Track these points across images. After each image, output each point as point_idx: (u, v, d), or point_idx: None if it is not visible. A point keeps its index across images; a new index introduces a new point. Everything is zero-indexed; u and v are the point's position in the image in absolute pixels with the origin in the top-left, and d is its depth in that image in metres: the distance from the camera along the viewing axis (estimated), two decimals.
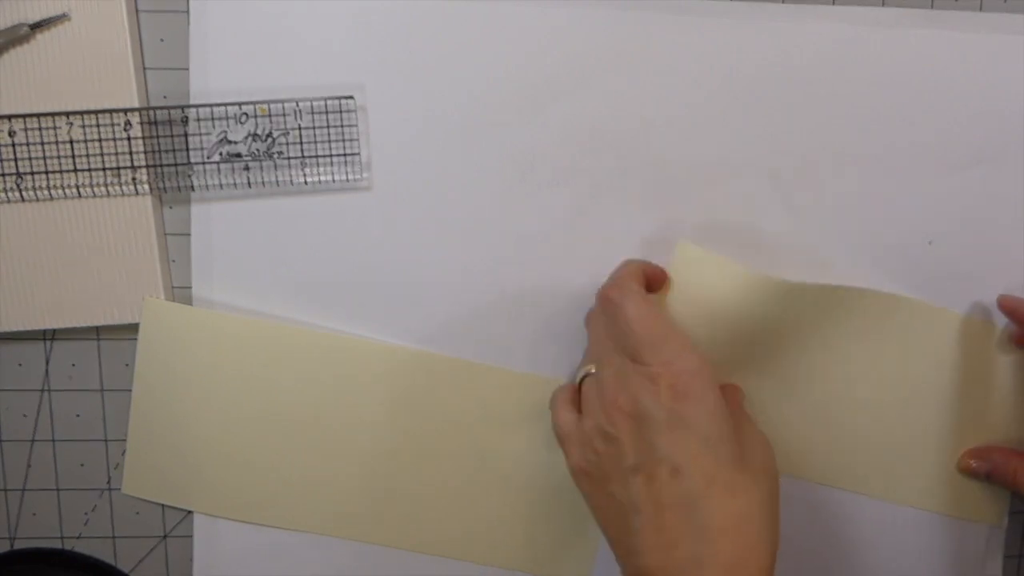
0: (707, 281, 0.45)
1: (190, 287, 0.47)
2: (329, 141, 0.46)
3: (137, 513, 0.50)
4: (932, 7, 0.48)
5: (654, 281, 0.46)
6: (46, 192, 0.45)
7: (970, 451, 0.49)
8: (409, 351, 0.48)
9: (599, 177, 0.47)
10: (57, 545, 0.50)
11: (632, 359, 0.41)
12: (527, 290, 0.48)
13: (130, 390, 0.48)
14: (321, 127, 0.45)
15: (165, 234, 0.47)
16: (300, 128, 0.45)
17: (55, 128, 0.44)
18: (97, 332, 0.48)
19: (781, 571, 0.38)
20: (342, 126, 0.45)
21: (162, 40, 0.45)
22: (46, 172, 0.45)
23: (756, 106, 0.47)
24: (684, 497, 0.37)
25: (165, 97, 0.46)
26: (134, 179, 0.45)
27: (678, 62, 0.46)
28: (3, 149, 0.44)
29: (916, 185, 0.48)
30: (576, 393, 0.44)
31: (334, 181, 0.46)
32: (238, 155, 0.45)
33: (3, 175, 0.45)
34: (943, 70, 0.47)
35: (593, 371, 0.43)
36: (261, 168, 0.46)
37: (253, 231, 0.47)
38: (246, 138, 0.45)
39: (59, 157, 0.45)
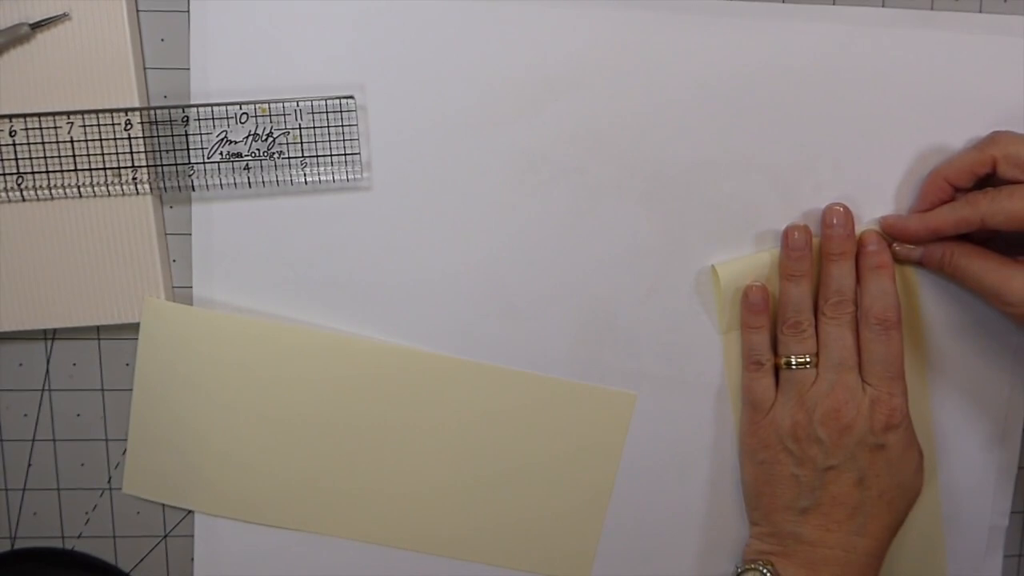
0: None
1: (190, 287, 0.47)
2: (329, 141, 0.46)
3: (138, 513, 0.50)
4: (932, 8, 0.48)
5: None
6: (46, 192, 0.45)
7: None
8: (409, 351, 0.48)
9: (599, 177, 0.47)
10: (57, 545, 0.50)
11: (864, 377, 0.46)
12: (527, 290, 0.48)
13: (130, 390, 0.48)
14: (321, 127, 0.45)
15: (165, 234, 0.47)
16: (300, 128, 0.45)
17: (55, 128, 0.44)
18: (98, 332, 0.48)
19: None
20: (342, 126, 0.46)
21: (162, 40, 0.45)
22: (46, 172, 0.45)
23: (756, 106, 0.47)
24: (857, 502, 0.46)
25: (165, 97, 0.46)
26: (134, 179, 0.45)
27: (678, 62, 0.47)
28: (3, 149, 0.44)
29: (915, 186, 0.48)
30: (773, 359, 0.48)
31: (334, 181, 0.46)
32: (238, 155, 0.45)
33: (3, 175, 0.45)
34: (942, 71, 0.47)
35: (809, 361, 0.46)
36: (261, 168, 0.46)
37: (253, 231, 0.47)
38: (246, 138, 0.45)
39: (59, 157, 0.45)
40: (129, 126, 0.45)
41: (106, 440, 0.49)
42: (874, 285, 0.46)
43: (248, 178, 0.46)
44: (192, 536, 0.49)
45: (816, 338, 0.47)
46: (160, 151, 0.45)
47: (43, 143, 0.44)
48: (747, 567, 0.47)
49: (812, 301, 0.47)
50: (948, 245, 0.46)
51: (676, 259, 0.48)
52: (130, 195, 0.45)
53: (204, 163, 0.45)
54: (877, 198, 0.48)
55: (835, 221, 0.47)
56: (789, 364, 0.47)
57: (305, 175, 0.46)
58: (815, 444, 0.46)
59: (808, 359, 0.46)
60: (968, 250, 0.46)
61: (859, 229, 0.48)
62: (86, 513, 0.50)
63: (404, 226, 0.47)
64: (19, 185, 0.45)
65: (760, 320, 0.47)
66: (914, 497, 0.47)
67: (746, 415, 0.48)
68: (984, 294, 0.46)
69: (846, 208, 0.47)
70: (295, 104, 0.45)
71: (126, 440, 0.48)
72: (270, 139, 0.45)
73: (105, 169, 0.45)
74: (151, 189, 0.45)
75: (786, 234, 0.47)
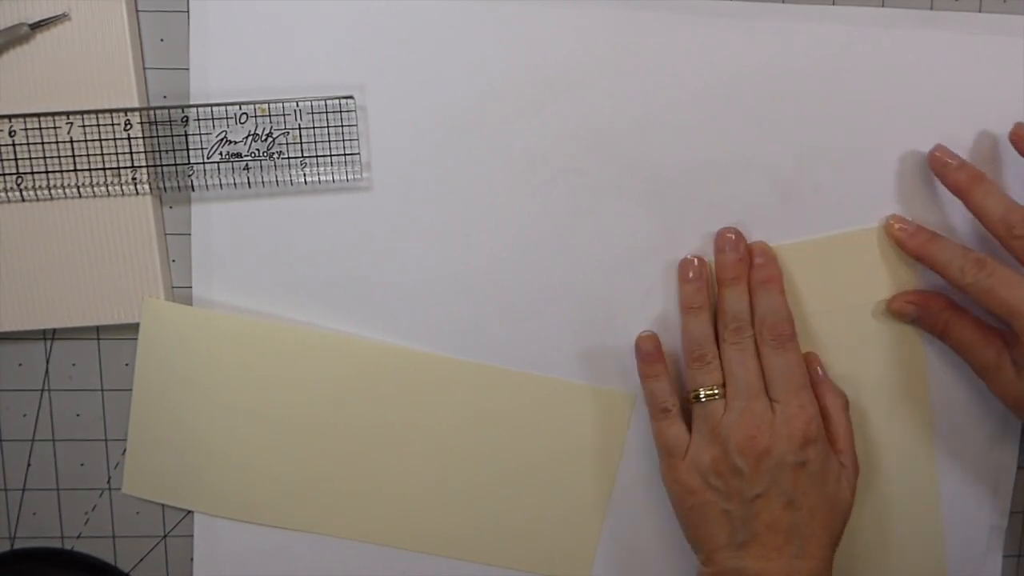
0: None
1: (190, 287, 0.47)
2: (329, 141, 0.46)
3: (137, 513, 0.50)
4: (932, 8, 0.48)
5: None
6: (46, 192, 0.45)
7: (906, 294, 0.48)
8: (409, 351, 0.48)
9: (599, 177, 0.47)
10: (57, 545, 0.50)
11: (771, 395, 0.46)
12: (527, 290, 0.48)
13: (130, 390, 0.48)
14: (321, 127, 0.45)
15: (165, 234, 0.47)
16: (300, 128, 0.45)
17: (55, 128, 0.44)
18: (97, 332, 0.48)
19: None
20: (342, 126, 0.46)
21: (162, 40, 0.45)
22: (46, 172, 0.45)
23: (756, 106, 0.47)
24: (790, 525, 0.45)
25: (165, 97, 0.46)
26: (134, 179, 0.45)
27: (678, 62, 0.47)
28: (3, 149, 0.44)
29: (915, 186, 0.48)
30: (680, 400, 0.47)
31: (334, 181, 0.46)
32: (238, 155, 0.45)
33: (3, 175, 0.45)
34: (942, 71, 0.47)
35: (718, 393, 0.46)
36: (261, 168, 0.46)
37: (253, 231, 0.47)
38: (246, 138, 0.45)
39: (59, 157, 0.45)
40: (129, 126, 0.45)
41: (106, 440, 0.49)
42: (764, 301, 0.46)
43: (248, 178, 0.46)
44: (192, 536, 0.49)
45: (721, 368, 0.46)
46: (160, 151, 0.45)
47: (43, 143, 0.44)
48: None
49: (714, 331, 0.47)
50: (944, 313, 0.47)
51: (676, 259, 0.48)
52: (130, 195, 0.45)
53: (204, 163, 0.45)
54: (877, 198, 0.48)
55: (726, 247, 0.47)
56: (698, 397, 0.46)
57: (305, 175, 0.46)
58: (737, 475, 0.45)
59: (716, 390, 0.46)
60: (962, 323, 0.47)
61: (874, 228, 0.47)
62: (85, 513, 0.50)
63: (404, 226, 0.47)
64: (19, 185, 0.45)
65: (657, 368, 0.47)
66: (846, 511, 0.46)
67: (664, 463, 0.47)
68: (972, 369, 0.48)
69: (738, 233, 0.47)
70: (295, 104, 0.45)
71: (126, 440, 0.48)
72: (270, 139, 0.45)
73: (105, 169, 0.45)
74: (151, 189, 0.45)
75: (681, 267, 0.47)
